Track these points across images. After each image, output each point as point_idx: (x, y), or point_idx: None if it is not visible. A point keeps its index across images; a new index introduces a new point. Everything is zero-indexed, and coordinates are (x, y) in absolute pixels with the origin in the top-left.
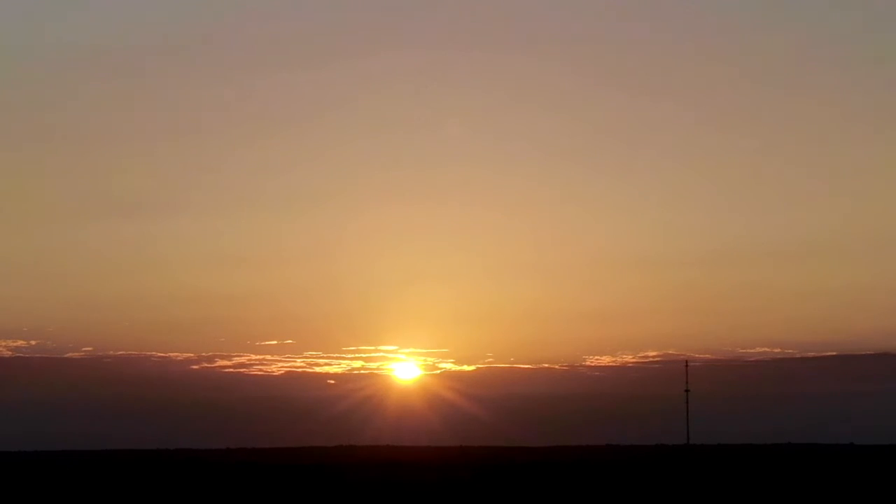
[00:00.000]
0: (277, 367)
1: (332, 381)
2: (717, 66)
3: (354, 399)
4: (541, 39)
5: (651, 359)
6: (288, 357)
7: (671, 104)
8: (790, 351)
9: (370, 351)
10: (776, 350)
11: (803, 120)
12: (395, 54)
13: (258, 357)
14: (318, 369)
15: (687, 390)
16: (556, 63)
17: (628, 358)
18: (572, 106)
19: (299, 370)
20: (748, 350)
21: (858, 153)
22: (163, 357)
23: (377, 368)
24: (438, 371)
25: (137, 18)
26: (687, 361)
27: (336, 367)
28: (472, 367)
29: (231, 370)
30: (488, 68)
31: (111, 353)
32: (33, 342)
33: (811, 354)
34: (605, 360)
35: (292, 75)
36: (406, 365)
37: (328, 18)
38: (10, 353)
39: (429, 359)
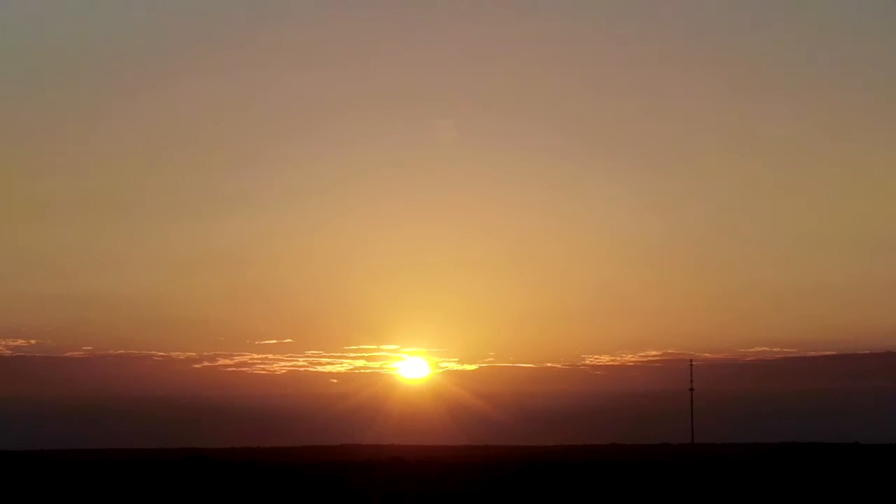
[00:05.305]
0: (280, 366)
1: (335, 381)
2: (721, 69)
3: (358, 398)
4: (531, 42)
5: (652, 358)
6: (290, 356)
7: (668, 104)
8: (789, 350)
9: (372, 350)
10: (775, 349)
11: (803, 120)
12: (395, 55)
13: (260, 356)
14: (320, 368)
15: (691, 389)
16: (556, 64)
17: (628, 357)
18: (570, 107)
19: (301, 369)
20: (748, 349)
21: (859, 153)
22: (164, 356)
23: (380, 367)
24: (440, 370)
25: (137, 19)
26: (692, 361)
27: (338, 367)
28: (473, 367)
29: (233, 369)
30: (487, 71)
31: (112, 352)
32: (33, 341)
33: (811, 353)
34: (605, 359)
35: (294, 75)
36: (409, 364)
37: (327, 20)
38: (10, 352)
39: (431, 358)
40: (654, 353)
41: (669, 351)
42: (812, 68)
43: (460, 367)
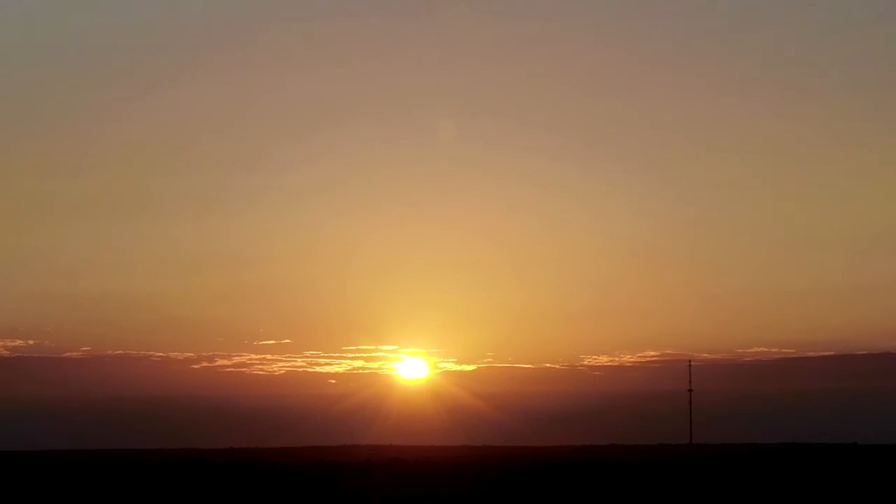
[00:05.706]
0: (278, 366)
1: (334, 381)
2: (720, 70)
3: (357, 398)
4: (530, 43)
5: (650, 358)
6: (288, 356)
7: (668, 106)
8: (788, 350)
9: (370, 351)
10: (774, 350)
11: (801, 121)
12: (395, 57)
13: (258, 357)
14: (318, 369)
15: (690, 390)
16: (555, 67)
17: (627, 358)
18: (569, 109)
19: (300, 370)
20: (746, 350)
21: (858, 154)
22: (163, 356)
23: (378, 368)
24: (439, 371)
25: (139, 21)
26: (690, 361)
27: (337, 367)
28: (472, 367)
29: (232, 369)
30: (487, 72)
31: (110, 352)
32: (31, 342)
33: (810, 354)
34: (604, 359)
35: (295, 77)
36: (408, 364)
37: (328, 23)
38: (7, 352)
39: (429, 358)
40: (652, 353)
41: (668, 351)
42: (810, 69)
43: (459, 368)
